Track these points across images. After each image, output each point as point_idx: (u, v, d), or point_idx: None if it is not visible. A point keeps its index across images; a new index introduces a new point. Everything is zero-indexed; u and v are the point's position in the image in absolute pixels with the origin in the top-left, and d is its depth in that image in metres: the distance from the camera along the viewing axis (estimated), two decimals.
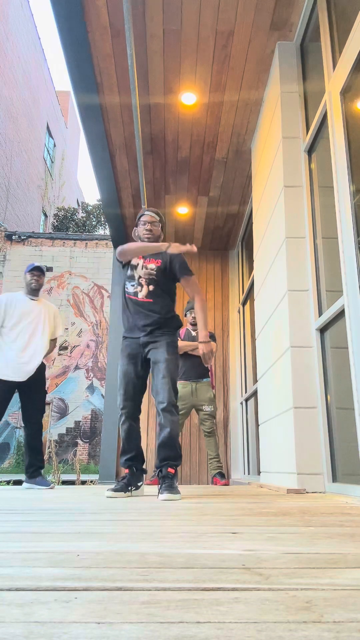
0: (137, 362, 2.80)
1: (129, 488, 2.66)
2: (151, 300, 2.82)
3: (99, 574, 0.75)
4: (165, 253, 2.88)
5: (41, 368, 3.81)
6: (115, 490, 2.58)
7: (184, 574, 0.76)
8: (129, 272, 2.90)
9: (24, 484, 3.74)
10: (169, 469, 2.57)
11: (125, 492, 2.61)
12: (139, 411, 2.79)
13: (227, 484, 4.63)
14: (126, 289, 2.88)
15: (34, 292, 3.86)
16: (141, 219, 2.95)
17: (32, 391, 3.75)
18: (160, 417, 2.63)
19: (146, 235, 2.91)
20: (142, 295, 2.82)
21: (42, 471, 3.77)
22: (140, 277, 2.86)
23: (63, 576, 0.73)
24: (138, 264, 2.89)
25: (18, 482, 6.53)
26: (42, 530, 1.24)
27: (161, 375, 2.68)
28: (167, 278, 2.88)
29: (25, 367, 3.70)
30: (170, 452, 2.60)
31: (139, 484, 2.75)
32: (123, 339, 2.88)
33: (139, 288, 2.84)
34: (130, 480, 2.69)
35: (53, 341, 3.94)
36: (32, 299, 3.85)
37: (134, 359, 2.80)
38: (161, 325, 2.80)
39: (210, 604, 0.59)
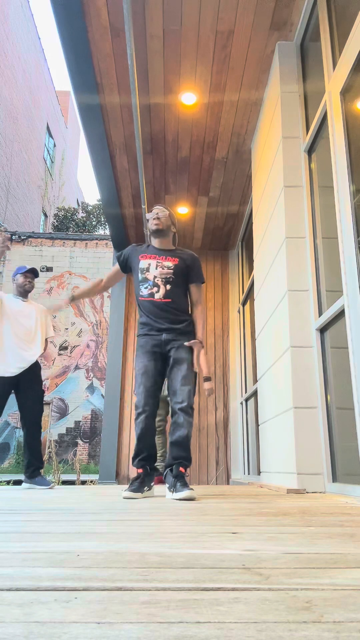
0: (158, 358, 2.74)
1: (144, 488, 2.62)
2: (169, 300, 2.75)
3: (99, 574, 0.75)
4: (183, 252, 2.88)
5: (37, 367, 3.82)
6: (132, 490, 2.53)
7: (184, 574, 0.75)
8: (139, 276, 2.82)
9: (24, 484, 3.74)
10: (181, 468, 2.54)
11: (142, 493, 2.57)
12: (157, 408, 2.75)
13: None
14: (140, 293, 2.80)
15: (25, 294, 3.88)
16: (151, 212, 2.89)
17: (29, 388, 3.75)
18: (177, 416, 2.60)
19: (155, 223, 2.82)
20: (159, 296, 2.75)
21: (42, 471, 3.77)
22: (155, 277, 2.78)
23: (63, 576, 0.73)
24: (150, 265, 2.80)
25: (18, 482, 6.53)
26: (42, 530, 1.24)
27: (182, 375, 2.64)
28: (183, 277, 2.84)
29: (26, 356, 3.71)
30: (184, 453, 2.58)
31: (152, 484, 2.71)
32: (139, 337, 2.80)
33: (155, 289, 2.76)
34: (144, 480, 2.64)
35: (45, 341, 3.95)
36: (23, 300, 3.87)
37: (154, 355, 2.73)
38: (180, 327, 2.75)
39: (210, 604, 0.59)
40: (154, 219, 2.84)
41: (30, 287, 3.85)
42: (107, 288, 3.02)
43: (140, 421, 2.66)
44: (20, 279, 3.85)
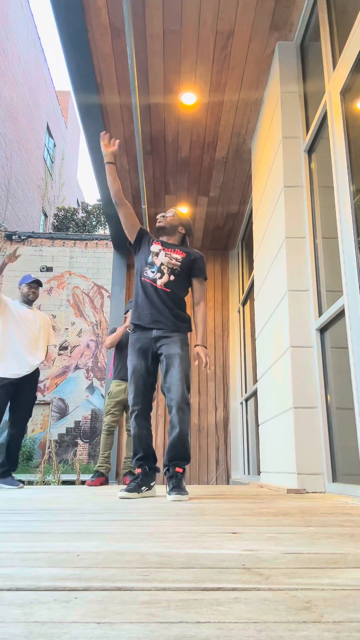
0: (148, 356, 2.73)
1: (142, 488, 2.60)
2: (169, 290, 2.76)
3: (99, 574, 0.75)
4: (191, 250, 2.93)
5: (37, 373, 3.96)
6: (128, 490, 2.52)
7: (184, 574, 0.75)
8: (148, 259, 2.84)
9: None
10: (177, 469, 2.53)
11: (138, 493, 2.55)
12: (150, 408, 2.73)
13: None
14: (144, 273, 2.81)
15: (29, 302, 4.06)
16: None
17: (27, 393, 3.87)
18: (172, 414, 2.57)
19: (158, 221, 2.91)
20: (161, 282, 2.76)
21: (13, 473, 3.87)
22: (162, 264, 2.80)
23: (63, 576, 0.73)
24: (160, 252, 2.84)
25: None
26: (42, 530, 1.24)
27: (175, 371, 2.61)
28: (187, 273, 2.86)
29: (31, 361, 3.83)
30: (179, 452, 2.55)
31: (151, 484, 2.68)
32: (132, 331, 2.80)
33: (159, 275, 2.77)
34: (142, 480, 2.63)
35: (46, 348, 4.12)
36: (28, 308, 4.05)
37: (144, 353, 2.72)
38: (174, 322, 2.73)
39: (210, 604, 0.59)
40: (160, 215, 2.94)
41: (34, 297, 4.05)
42: (118, 196, 2.97)
43: (132, 420, 2.69)
44: (24, 288, 4.04)
